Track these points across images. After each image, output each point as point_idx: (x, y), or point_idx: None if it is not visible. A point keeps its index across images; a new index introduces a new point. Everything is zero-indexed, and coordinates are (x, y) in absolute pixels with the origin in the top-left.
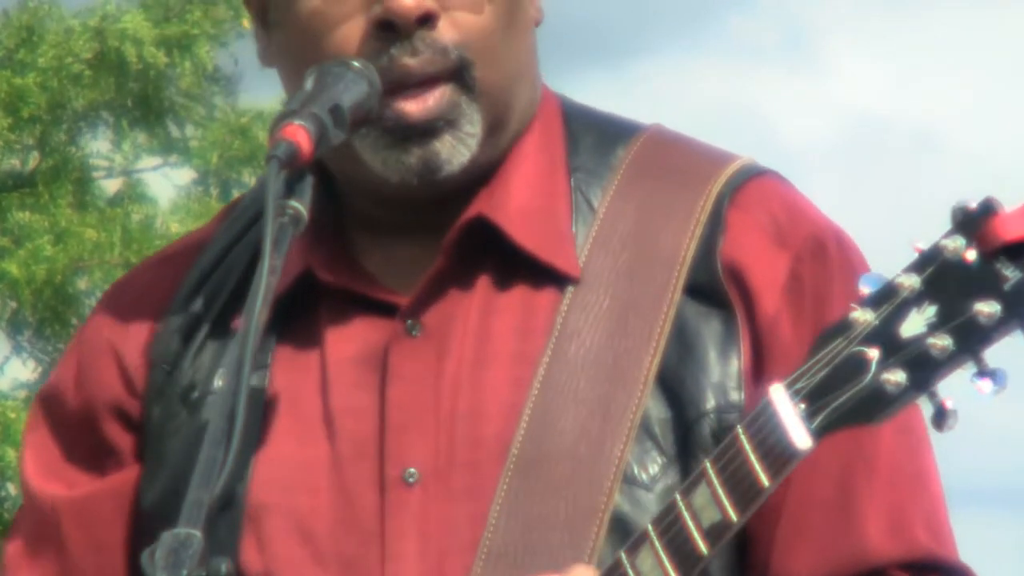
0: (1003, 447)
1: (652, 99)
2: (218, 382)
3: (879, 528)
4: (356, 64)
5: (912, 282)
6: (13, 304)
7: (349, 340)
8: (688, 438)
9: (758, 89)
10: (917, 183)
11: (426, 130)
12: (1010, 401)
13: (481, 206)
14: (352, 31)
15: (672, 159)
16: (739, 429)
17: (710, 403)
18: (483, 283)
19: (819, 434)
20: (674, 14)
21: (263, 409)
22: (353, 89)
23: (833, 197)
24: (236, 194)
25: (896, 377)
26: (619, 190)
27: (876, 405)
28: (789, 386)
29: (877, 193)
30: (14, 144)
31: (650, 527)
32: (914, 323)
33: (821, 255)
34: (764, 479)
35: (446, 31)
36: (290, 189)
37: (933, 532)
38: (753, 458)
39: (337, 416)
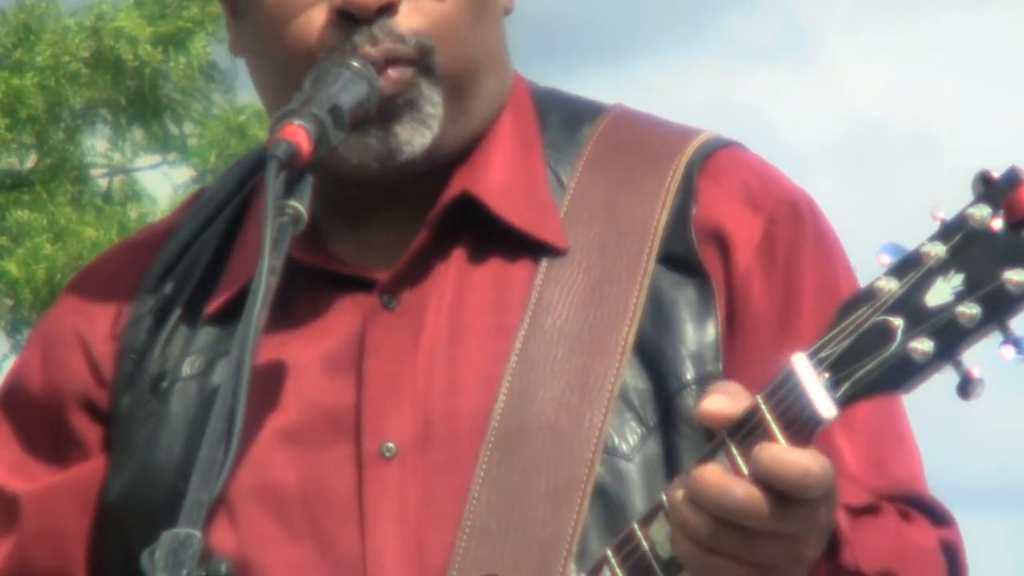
0: (988, 445)
1: (650, 98)
2: (187, 369)
3: (862, 470)
4: (355, 64)
5: (938, 251)
6: (9, 302)
7: (325, 318)
8: (669, 409)
9: (757, 89)
10: (916, 182)
11: (386, 111)
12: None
13: (464, 182)
14: (314, 20)
15: (638, 135)
16: (759, 399)
17: (690, 374)
18: (458, 258)
19: (844, 403)
20: (673, 14)
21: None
22: (352, 89)
23: (832, 196)
24: None
25: (923, 346)
26: (587, 165)
27: (902, 374)
28: (812, 355)
29: (876, 192)
30: (12, 144)
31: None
32: (940, 292)
33: (794, 218)
34: None
35: (406, 18)
36: (290, 189)
37: (914, 476)
38: (775, 427)
39: (313, 392)
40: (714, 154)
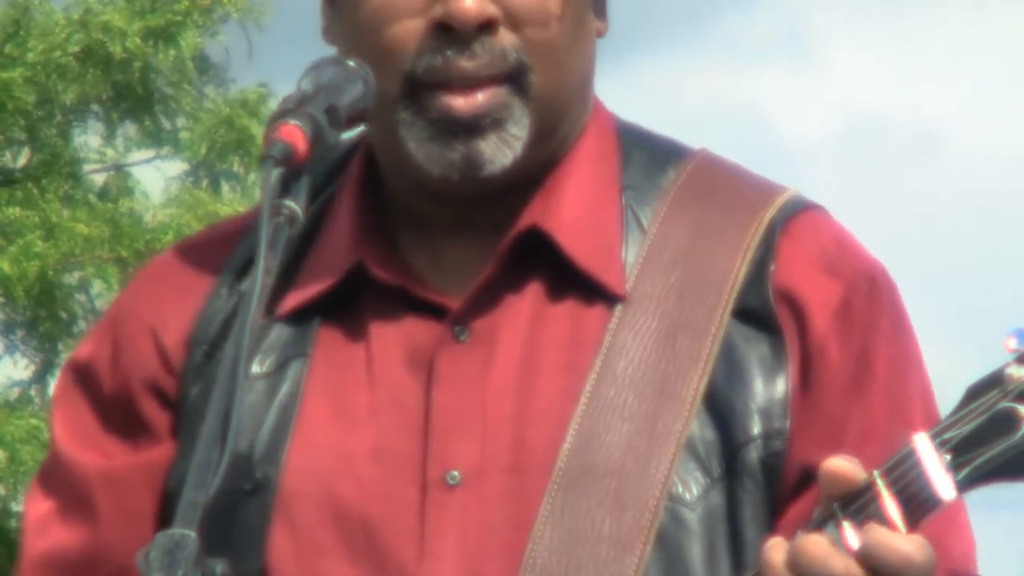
0: None
1: (650, 97)
2: (257, 368)
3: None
4: (352, 64)
5: None
6: (1, 300)
7: (395, 338)
8: (735, 461)
9: (757, 88)
10: (915, 181)
11: (472, 127)
12: None
13: (535, 215)
14: (412, 27)
15: (722, 185)
16: (876, 474)
17: (757, 428)
18: (533, 291)
19: (965, 486)
20: (672, 13)
21: (301, 397)
22: (349, 89)
23: (831, 195)
24: (226, 185)
25: None
26: (670, 211)
27: None
28: (935, 436)
29: (875, 191)
30: (2, 140)
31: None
32: None
33: (872, 289)
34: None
35: (506, 36)
36: (286, 189)
37: (968, 558)
38: (889, 506)
39: (380, 413)
40: (796, 215)
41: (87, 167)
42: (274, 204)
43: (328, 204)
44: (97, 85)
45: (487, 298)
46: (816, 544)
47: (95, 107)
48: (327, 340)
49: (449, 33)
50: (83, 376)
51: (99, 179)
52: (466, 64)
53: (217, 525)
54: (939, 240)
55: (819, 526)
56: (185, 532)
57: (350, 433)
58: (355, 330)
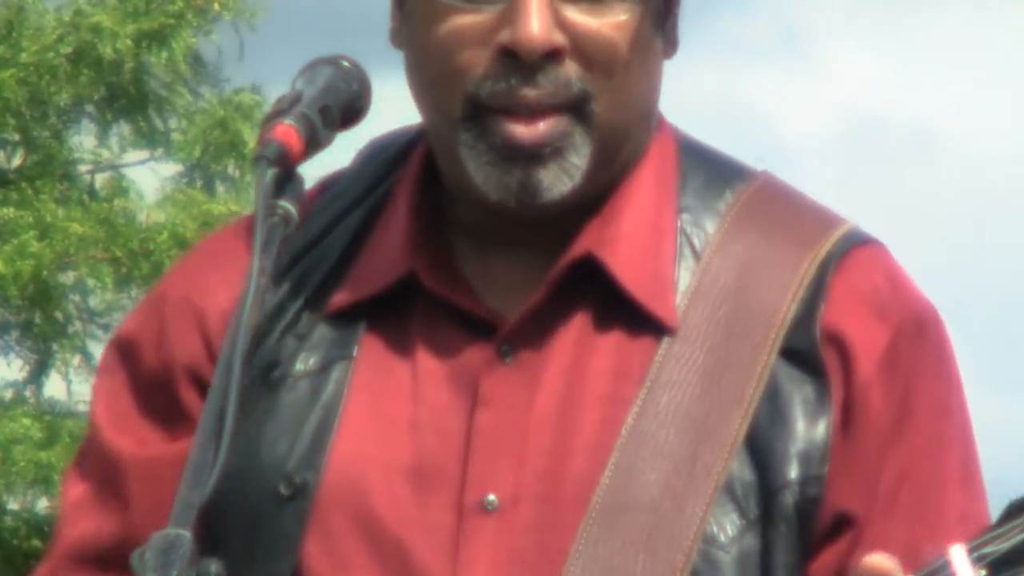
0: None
1: None
2: (300, 366)
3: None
4: (346, 64)
5: None
6: None
7: (441, 351)
8: (771, 505)
9: (754, 88)
10: (913, 180)
11: (532, 155)
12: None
13: (590, 243)
14: (480, 53)
15: (780, 213)
16: None
17: (794, 473)
18: (581, 319)
19: None
20: None
21: (344, 401)
22: (344, 89)
23: (829, 194)
24: (220, 186)
25: None
26: (723, 239)
27: None
28: (973, 550)
29: (873, 190)
30: None
31: None
32: None
33: (920, 333)
34: None
35: (572, 66)
36: (280, 189)
37: None
38: None
39: (422, 429)
40: (851, 251)
41: (81, 168)
42: (268, 204)
43: (384, 200)
44: (90, 86)
45: (535, 321)
46: None
47: (88, 108)
48: (372, 345)
49: (515, 60)
50: (127, 353)
51: (98, 179)
52: (529, 92)
53: (251, 528)
54: (936, 240)
55: None
56: (180, 532)
57: (391, 447)
58: (401, 338)
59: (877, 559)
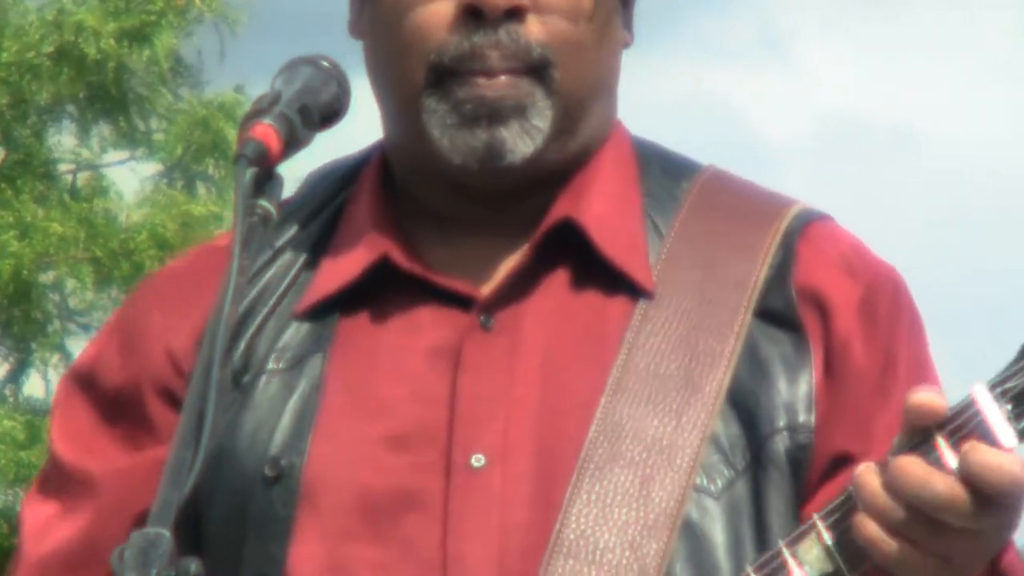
0: None
1: (625, 97)
2: (272, 364)
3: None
4: (325, 63)
5: None
6: None
7: (419, 327)
8: (760, 453)
9: (732, 88)
10: (892, 179)
11: (495, 112)
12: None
13: (567, 208)
14: (439, 13)
15: (734, 195)
16: (933, 430)
17: (782, 421)
18: (557, 285)
19: None
20: (645, 13)
21: (322, 390)
22: (323, 89)
23: (808, 194)
24: (201, 186)
25: None
26: (685, 218)
27: None
28: (994, 387)
29: (852, 189)
30: None
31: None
32: None
33: (891, 290)
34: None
35: (534, 28)
36: (260, 189)
37: None
38: (950, 457)
39: (405, 401)
40: (811, 223)
41: (62, 167)
42: (248, 204)
43: (340, 212)
44: (71, 85)
45: (512, 288)
46: (915, 465)
47: (69, 107)
48: (347, 334)
49: (477, 19)
50: (85, 381)
51: (73, 179)
52: (491, 52)
53: (240, 512)
54: (914, 237)
55: (912, 449)
56: (159, 531)
57: (374, 422)
58: (377, 322)
59: (925, 393)
